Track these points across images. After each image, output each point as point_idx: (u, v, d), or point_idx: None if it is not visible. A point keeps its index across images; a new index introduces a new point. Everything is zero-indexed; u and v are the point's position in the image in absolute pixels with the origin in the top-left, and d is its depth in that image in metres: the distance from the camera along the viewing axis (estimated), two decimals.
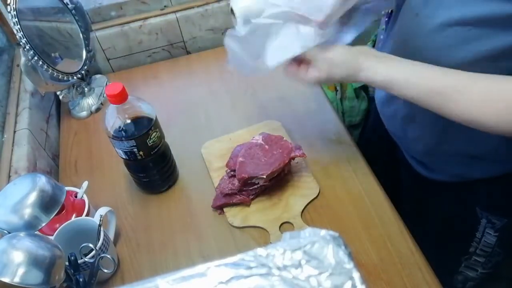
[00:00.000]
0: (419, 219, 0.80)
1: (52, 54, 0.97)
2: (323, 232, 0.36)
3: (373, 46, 1.26)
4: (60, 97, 1.00)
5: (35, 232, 0.61)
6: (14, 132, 0.87)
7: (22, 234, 0.57)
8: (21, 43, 0.86)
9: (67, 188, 0.72)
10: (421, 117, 0.73)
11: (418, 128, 0.75)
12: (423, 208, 0.88)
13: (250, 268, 0.34)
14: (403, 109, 0.76)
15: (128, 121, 0.74)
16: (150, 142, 0.75)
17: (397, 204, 0.79)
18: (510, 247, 0.82)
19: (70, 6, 0.97)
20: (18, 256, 0.52)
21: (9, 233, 0.58)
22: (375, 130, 0.92)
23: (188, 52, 1.18)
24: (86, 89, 1.03)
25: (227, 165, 0.82)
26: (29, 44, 0.86)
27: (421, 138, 0.76)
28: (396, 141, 0.86)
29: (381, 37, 0.84)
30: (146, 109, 0.75)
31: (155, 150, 0.78)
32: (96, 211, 0.75)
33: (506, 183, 0.72)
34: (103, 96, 1.05)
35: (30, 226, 0.61)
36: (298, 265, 0.34)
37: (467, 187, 0.76)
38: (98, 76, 1.10)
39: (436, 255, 0.72)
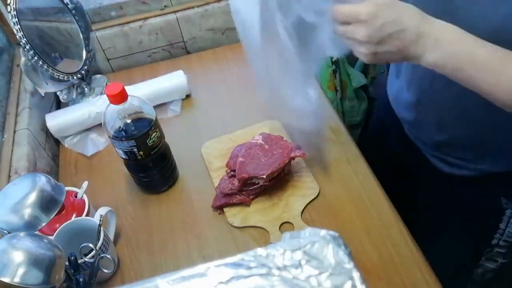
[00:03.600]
0: (436, 217, 0.79)
1: (52, 54, 0.97)
2: (323, 232, 0.36)
3: None
4: (60, 97, 1.00)
5: (35, 232, 0.61)
6: (14, 132, 0.87)
7: (22, 234, 0.57)
8: (21, 43, 0.86)
9: (67, 188, 0.72)
10: (457, 118, 0.72)
11: (452, 127, 0.74)
12: (442, 205, 0.87)
13: (250, 268, 0.34)
14: (435, 114, 0.76)
15: (128, 121, 0.74)
16: (150, 142, 0.75)
17: (398, 204, 0.79)
18: None
19: (70, 6, 0.97)
20: (18, 256, 0.52)
21: (9, 233, 0.58)
22: (381, 130, 0.92)
23: (188, 52, 1.18)
24: (86, 89, 1.03)
25: (227, 165, 0.82)
26: (29, 44, 0.86)
27: (454, 137, 0.76)
28: (413, 141, 0.85)
29: None
30: (146, 109, 0.75)
31: (155, 150, 0.78)
32: (96, 211, 0.75)
33: None
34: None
35: (30, 226, 0.61)
36: (298, 265, 0.34)
37: (491, 179, 0.75)
38: (98, 76, 1.10)
39: (454, 251, 0.71)
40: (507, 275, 0.94)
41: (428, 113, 0.77)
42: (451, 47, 0.54)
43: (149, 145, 0.76)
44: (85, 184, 0.78)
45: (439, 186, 0.86)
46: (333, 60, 1.36)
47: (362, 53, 0.58)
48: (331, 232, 0.36)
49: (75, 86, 1.01)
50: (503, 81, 0.53)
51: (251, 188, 0.80)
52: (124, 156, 0.77)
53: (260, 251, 0.35)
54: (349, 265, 0.34)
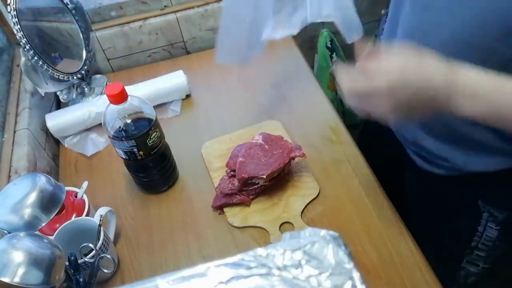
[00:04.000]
0: (421, 217, 0.80)
1: (52, 54, 0.97)
2: (323, 232, 0.36)
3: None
4: (60, 97, 1.00)
5: (35, 232, 0.61)
6: (14, 132, 0.87)
7: (22, 234, 0.57)
8: (21, 43, 0.86)
9: (67, 188, 0.72)
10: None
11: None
12: (425, 204, 0.88)
13: (250, 268, 0.34)
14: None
15: (128, 121, 0.74)
16: (150, 142, 0.75)
17: (398, 204, 0.79)
18: (511, 241, 0.82)
19: (70, 6, 0.97)
20: (18, 256, 0.52)
21: (9, 233, 0.58)
22: (377, 128, 0.92)
23: (188, 52, 1.18)
24: (86, 89, 1.03)
25: (227, 165, 0.82)
26: (29, 44, 0.86)
27: (428, 134, 0.76)
28: (396, 136, 0.86)
29: (381, 37, 0.84)
30: (146, 109, 0.75)
31: (155, 150, 0.78)
32: (96, 211, 0.75)
33: (507, 176, 0.72)
34: None
35: (30, 226, 0.61)
36: (298, 265, 0.34)
37: (469, 180, 0.76)
38: (98, 76, 1.10)
39: (438, 251, 0.72)
40: (492, 280, 0.94)
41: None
42: (486, 102, 0.50)
43: (149, 145, 0.76)
44: (85, 184, 0.78)
45: (421, 185, 0.86)
46: (333, 60, 1.36)
47: (389, 119, 0.55)
48: (331, 232, 0.36)
49: (75, 86, 1.01)
50: None
51: (251, 188, 0.80)
52: (124, 156, 0.77)
53: (260, 251, 0.35)
54: (349, 265, 0.34)
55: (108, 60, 1.13)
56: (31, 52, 0.87)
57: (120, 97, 0.69)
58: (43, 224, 0.62)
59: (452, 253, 0.87)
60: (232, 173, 0.81)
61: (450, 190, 0.82)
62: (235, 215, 0.79)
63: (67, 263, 0.61)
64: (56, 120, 0.94)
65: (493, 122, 0.52)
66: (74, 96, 1.01)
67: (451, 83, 0.51)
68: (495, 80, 0.50)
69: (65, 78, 0.96)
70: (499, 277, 1.05)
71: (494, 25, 0.54)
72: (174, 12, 1.09)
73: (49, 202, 0.63)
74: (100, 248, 0.68)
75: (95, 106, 0.95)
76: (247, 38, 0.76)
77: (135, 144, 0.74)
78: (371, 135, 1.05)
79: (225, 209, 0.80)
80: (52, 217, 0.63)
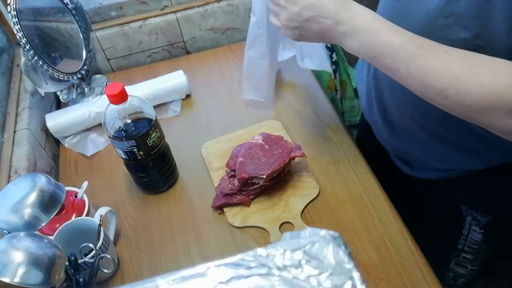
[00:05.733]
0: (408, 219, 0.80)
1: (52, 54, 0.97)
2: (323, 232, 0.36)
3: None
4: (60, 97, 1.00)
5: (35, 232, 0.61)
6: (14, 132, 0.87)
7: (22, 234, 0.57)
8: (21, 43, 0.86)
9: (67, 188, 0.72)
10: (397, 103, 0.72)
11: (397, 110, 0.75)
12: (410, 207, 0.88)
13: (250, 268, 0.34)
14: (382, 113, 0.76)
15: (128, 121, 0.74)
16: (150, 142, 0.75)
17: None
18: (497, 244, 0.83)
19: (70, 6, 0.97)
20: (18, 256, 0.52)
21: (9, 233, 0.58)
22: (367, 129, 0.92)
23: (188, 52, 1.18)
24: (86, 89, 1.03)
25: (227, 165, 0.82)
26: (29, 44, 0.86)
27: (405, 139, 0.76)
28: (380, 140, 0.86)
29: None
30: (146, 109, 0.75)
31: (155, 150, 0.78)
32: (96, 211, 0.75)
33: (488, 181, 0.72)
34: None
35: (30, 226, 0.61)
36: (298, 265, 0.34)
37: (451, 185, 0.76)
38: (98, 76, 1.10)
39: (426, 253, 0.72)
40: (481, 282, 0.95)
41: (377, 113, 0.78)
42: (367, 35, 0.54)
43: (149, 145, 0.76)
44: (85, 184, 0.78)
45: (406, 188, 0.87)
46: (333, 60, 1.36)
47: (287, 34, 0.61)
48: (331, 232, 0.36)
49: (75, 86, 1.02)
50: (413, 70, 0.52)
51: (251, 188, 0.80)
52: (124, 156, 0.77)
53: (260, 251, 0.35)
54: (349, 265, 0.34)
55: (108, 60, 1.13)
56: (31, 52, 0.87)
57: (120, 97, 0.69)
58: (43, 224, 0.62)
59: (439, 254, 0.87)
60: (232, 173, 0.81)
61: (433, 194, 0.82)
62: (235, 215, 0.79)
63: (67, 263, 0.61)
64: (56, 120, 0.94)
65: (371, 60, 0.56)
66: (74, 96, 1.01)
67: (340, 11, 0.55)
68: (381, 21, 0.54)
69: (65, 78, 0.96)
70: (489, 279, 1.06)
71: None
72: (174, 12, 1.09)
73: (49, 202, 0.63)
74: (100, 248, 0.68)
75: (95, 106, 0.95)
76: (268, 78, 0.83)
77: (135, 144, 0.74)
78: (363, 136, 1.06)
79: (225, 209, 0.80)
80: (52, 217, 0.63)
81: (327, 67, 0.82)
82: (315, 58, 0.82)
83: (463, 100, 0.50)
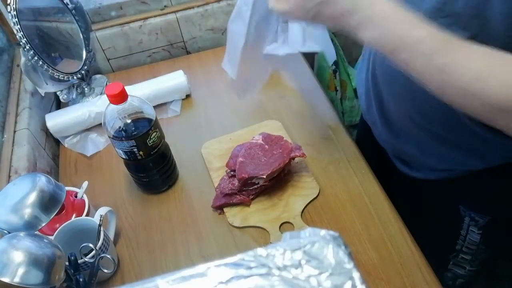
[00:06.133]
0: (408, 219, 0.80)
1: (52, 54, 0.97)
2: (323, 232, 0.36)
3: None
4: (60, 97, 1.00)
5: (35, 232, 0.61)
6: (14, 132, 0.87)
7: (22, 234, 0.57)
8: (21, 43, 0.86)
9: (67, 188, 0.72)
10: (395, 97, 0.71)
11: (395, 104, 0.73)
12: (409, 207, 0.88)
13: (250, 268, 0.34)
14: (382, 114, 0.76)
15: (128, 121, 0.74)
16: (150, 142, 0.75)
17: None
18: (495, 244, 0.83)
19: (70, 6, 0.97)
20: (18, 256, 0.52)
21: (9, 233, 0.58)
22: (366, 130, 0.92)
23: (188, 52, 1.18)
24: (86, 89, 1.03)
25: (227, 165, 0.82)
26: (29, 44, 0.86)
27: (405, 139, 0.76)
28: (379, 141, 0.86)
29: None
30: (146, 109, 0.75)
31: (155, 150, 0.78)
32: (96, 211, 0.75)
33: (487, 181, 0.72)
34: None
35: (30, 226, 0.61)
36: (298, 265, 0.34)
37: (450, 185, 0.76)
38: (98, 76, 1.10)
39: (425, 253, 0.72)
40: (479, 282, 0.95)
41: (376, 113, 0.78)
42: (383, 27, 0.50)
43: (149, 145, 0.76)
44: (85, 184, 0.78)
45: (404, 188, 0.87)
46: (333, 60, 1.36)
47: (298, 15, 0.57)
48: (331, 232, 0.36)
49: (75, 86, 1.01)
50: (433, 66, 0.48)
51: (251, 188, 0.80)
52: (124, 156, 0.77)
53: (260, 251, 0.35)
54: (349, 265, 0.34)
55: (108, 60, 1.13)
56: (31, 52, 0.87)
57: (120, 97, 0.69)
58: (43, 224, 0.62)
59: (438, 255, 0.87)
60: (232, 173, 0.81)
61: (431, 194, 0.82)
62: (235, 215, 0.79)
63: (67, 263, 0.61)
64: (56, 120, 0.94)
65: (387, 54, 0.52)
66: (74, 96, 1.01)
67: (356, 3, 0.51)
68: (400, 11, 0.50)
69: (65, 78, 0.96)
70: (488, 279, 1.06)
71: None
72: (174, 12, 1.09)
73: (49, 202, 0.63)
74: (100, 248, 0.68)
75: (95, 106, 0.95)
76: (241, 59, 0.78)
77: (135, 144, 0.74)
78: (363, 137, 1.06)
79: (225, 209, 0.80)
80: (52, 217, 0.63)
81: (331, 49, 0.79)
82: (319, 38, 0.78)
83: (485, 100, 0.47)
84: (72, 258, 0.64)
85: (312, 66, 1.42)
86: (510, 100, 0.46)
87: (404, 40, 0.49)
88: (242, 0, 0.70)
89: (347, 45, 1.38)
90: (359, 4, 0.51)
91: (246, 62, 0.78)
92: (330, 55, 0.82)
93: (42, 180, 0.64)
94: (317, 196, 0.81)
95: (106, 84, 1.07)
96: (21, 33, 0.85)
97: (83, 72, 1.01)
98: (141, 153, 0.76)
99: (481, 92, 0.47)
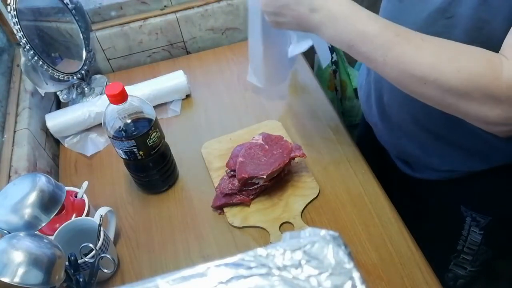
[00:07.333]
0: (408, 219, 0.80)
1: (52, 54, 0.97)
2: (323, 232, 0.36)
3: None
4: (60, 97, 1.00)
5: (35, 232, 0.61)
6: (14, 132, 0.87)
7: (22, 234, 0.57)
8: (21, 43, 0.86)
9: (67, 188, 0.72)
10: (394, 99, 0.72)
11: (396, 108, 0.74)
12: (410, 207, 0.88)
13: (250, 268, 0.34)
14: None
15: (128, 121, 0.74)
16: (150, 142, 0.75)
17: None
18: (497, 245, 0.83)
19: (70, 6, 0.97)
20: (18, 256, 0.52)
21: (9, 233, 0.58)
22: (367, 129, 0.92)
23: (188, 52, 1.18)
24: (86, 89, 1.03)
25: (227, 165, 0.82)
26: (29, 44, 0.86)
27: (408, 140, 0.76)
28: (380, 141, 0.86)
29: None
30: (146, 109, 0.75)
31: (155, 150, 0.78)
32: (96, 211, 0.75)
33: (488, 181, 0.72)
34: None
35: (30, 226, 0.61)
36: (298, 265, 0.34)
37: (451, 185, 0.76)
38: (98, 76, 1.10)
39: (425, 253, 0.72)
40: (480, 282, 0.95)
41: (377, 115, 0.78)
42: (342, 24, 0.54)
43: (149, 145, 0.76)
44: (85, 184, 0.78)
45: (405, 188, 0.87)
46: (333, 60, 1.36)
47: (267, 20, 0.61)
48: (331, 232, 0.36)
49: (75, 86, 1.01)
50: (390, 58, 0.52)
51: (251, 188, 0.80)
52: (124, 156, 0.77)
53: (260, 251, 0.35)
54: (349, 265, 0.34)
55: (108, 60, 1.13)
56: (31, 52, 0.87)
57: (120, 97, 0.69)
58: (43, 224, 0.62)
59: (439, 255, 0.88)
60: (232, 173, 0.81)
61: (433, 195, 0.82)
62: (235, 215, 0.79)
63: (67, 263, 0.61)
64: (56, 120, 0.94)
65: (347, 50, 0.55)
66: (74, 96, 1.01)
67: (314, 0, 0.55)
68: (357, 9, 0.54)
69: (65, 78, 0.96)
70: (489, 280, 1.06)
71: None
72: (174, 12, 1.09)
73: (49, 202, 0.63)
74: (100, 248, 0.68)
75: (95, 106, 0.95)
76: (265, 65, 0.80)
77: (135, 144, 0.74)
78: (363, 137, 1.06)
79: (225, 209, 0.80)
80: (52, 217, 0.63)
81: (326, 52, 0.80)
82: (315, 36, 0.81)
83: (441, 86, 0.50)
84: (72, 258, 0.64)
85: (312, 66, 1.42)
86: (461, 86, 0.49)
87: (363, 35, 0.53)
88: (252, 11, 0.72)
89: None
90: (316, 5, 0.55)
91: (270, 66, 0.80)
92: (324, 59, 0.83)
93: (42, 180, 0.64)
94: (317, 196, 0.81)
95: (106, 84, 1.07)
96: (21, 33, 0.85)
97: (83, 72, 1.01)
98: (141, 153, 0.76)
99: (435, 81, 0.50)
